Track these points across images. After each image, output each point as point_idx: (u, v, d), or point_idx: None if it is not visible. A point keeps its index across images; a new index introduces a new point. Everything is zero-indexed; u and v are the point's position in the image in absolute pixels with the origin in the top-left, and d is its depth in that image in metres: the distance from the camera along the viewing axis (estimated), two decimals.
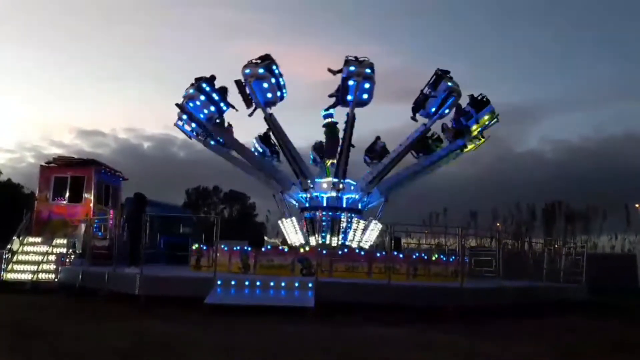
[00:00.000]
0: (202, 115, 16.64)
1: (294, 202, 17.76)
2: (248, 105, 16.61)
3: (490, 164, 65.90)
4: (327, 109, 17.50)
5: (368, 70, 15.95)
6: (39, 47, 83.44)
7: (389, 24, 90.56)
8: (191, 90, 16.36)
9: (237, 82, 16.43)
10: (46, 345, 6.81)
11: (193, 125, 17.28)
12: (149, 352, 6.60)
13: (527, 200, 34.42)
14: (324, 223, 16.52)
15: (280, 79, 16.55)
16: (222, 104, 16.84)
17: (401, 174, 18.03)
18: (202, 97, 16.41)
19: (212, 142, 17.94)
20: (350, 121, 16.58)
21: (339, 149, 17.16)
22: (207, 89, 16.49)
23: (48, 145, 79.00)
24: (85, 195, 18.14)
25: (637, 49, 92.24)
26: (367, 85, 16.03)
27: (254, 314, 10.13)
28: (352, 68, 15.86)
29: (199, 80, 16.51)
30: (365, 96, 16.35)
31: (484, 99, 17.20)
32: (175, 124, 17.59)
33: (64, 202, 18.18)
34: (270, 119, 16.78)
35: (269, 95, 16.38)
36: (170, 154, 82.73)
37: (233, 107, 17.07)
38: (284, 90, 16.77)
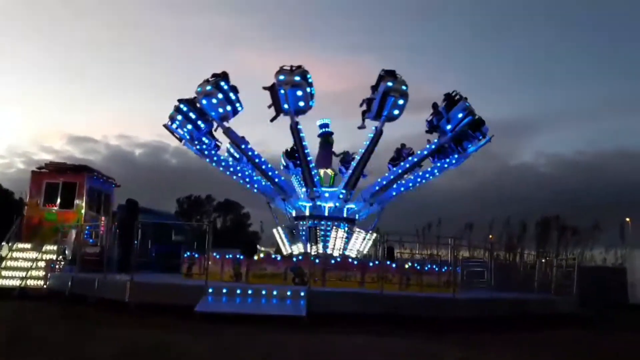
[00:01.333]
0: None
1: (286, 211, 17.74)
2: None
3: (484, 177, 66.25)
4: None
5: (297, 78, 16.13)
6: (30, 53, 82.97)
7: (383, 36, 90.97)
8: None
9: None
10: (34, 353, 6.71)
11: (189, 127, 17.03)
12: None
13: (521, 213, 34.47)
14: (321, 232, 16.53)
15: (231, 94, 16.72)
16: (237, 104, 16.91)
17: (383, 179, 17.98)
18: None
19: (205, 147, 17.67)
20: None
21: (332, 159, 17.29)
22: (184, 109, 16.62)
23: (38, 151, 78.35)
24: (77, 201, 18.01)
25: (631, 65, 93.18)
26: (299, 93, 16.23)
27: (245, 323, 10.05)
28: (390, 84, 16.29)
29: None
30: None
31: (457, 97, 17.21)
32: (166, 125, 16.97)
33: (55, 208, 18.04)
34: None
35: (220, 109, 16.52)
36: (162, 161, 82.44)
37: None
38: (237, 105, 16.98)
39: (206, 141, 17.43)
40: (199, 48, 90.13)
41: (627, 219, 30.88)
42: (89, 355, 6.70)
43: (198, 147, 17.11)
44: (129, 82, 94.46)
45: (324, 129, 18.50)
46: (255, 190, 17.83)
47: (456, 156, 17.78)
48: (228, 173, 17.67)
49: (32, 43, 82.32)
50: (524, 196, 57.16)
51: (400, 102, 16.77)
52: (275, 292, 11.47)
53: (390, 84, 16.51)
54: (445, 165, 18.07)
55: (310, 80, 16.54)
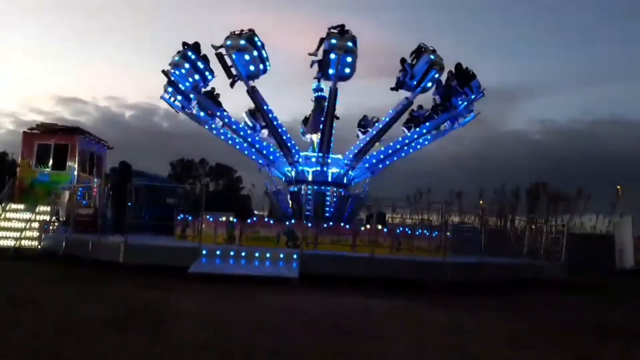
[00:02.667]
0: (187, 84, 16.49)
1: (281, 175, 17.79)
2: (229, 77, 16.51)
3: (475, 143, 66.23)
4: (317, 86, 17.41)
5: (350, 44, 15.69)
6: (16, 13, 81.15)
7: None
8: (176, 58, 16.19)
9: (218, 54, 16.30)
10: (30, 314, 6.81)
11: (179, 97, 16.99)
12: (133, 321, 6.64)
13: (513, 180, 34.82)
14: (309, 197, 16.57)
15: (263, 52, 16.36)
16: (206, 73, 16.69)
17: (387, 148, 18.03)
18: (187, 65, 16.27)
19: (202, 114, 17.63)
20: (333, 96, 16.41)
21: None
22: (192, 57, 16.34)
23: (27, 112, 77.42)
24: (69, 163, 17.96)
25: (625, 32, 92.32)
26: (349, 59, 15.82)
27: (238, 284, 10.20)
28: (333, 41, 15.63)
29: (184, 47, 16.32)
30: (347, 70, 16.09)
31: (470, 73, 17.18)
32: (162, 97, 17.09)
33: (48, 169, 17.99)
34: (252, 92, 16.64)
35: (251, 67, 16.24)
36: (153, 124, 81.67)
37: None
38: (267, 63, 16.61)
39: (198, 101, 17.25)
40: (189, 9, 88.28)
41: (618, 187, 31.24)
42: (83, 315, 6.81)
43: (184, 101, 16.93)
44: (116, 43, 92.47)
45: (317, 94, 18.40)
46: (247, 152, 17.75)
47: (446, 129, 17.89)
48: (216, 134, 17.58)
49: (18, 3, 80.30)
50: (516, 163, 57.40)
51: (437, 75, 16.76)
52: (268, 255, 11.62)
53: (432, 56, 16.40)
54: (435, 138, 18.22)
55: (258, 43, 16.07)
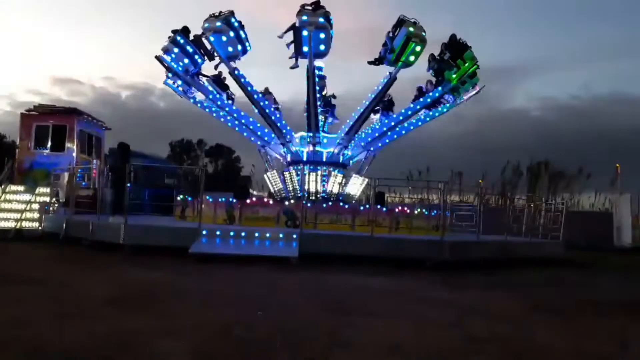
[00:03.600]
0: (179, 68, 16.48)
1: (279, 156, 17.81)
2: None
3: (475, 121, 66.07)
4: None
5: (322, 19, 15.43)
6: None
7: None
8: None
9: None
10: (31, 293, 6.86)
11: (180, 82, 17.02)
12: (133, 299, 6.70)
13: (512, 158, 34.68)
14: (305, 175, 16.65)
15: (241, 32, 16.30)
16: (196, 56, 16.65)
17: (382, 126, 17.98)
18: (176, 50, 16.28)
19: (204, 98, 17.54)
20: (311, 74, 16.26)
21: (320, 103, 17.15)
22: (181, 41, 16.33)
23: (24, 93, 77.11)
24: (68, 144, 17.93)
25: (627, 8, 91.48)
26: (322, 35, 15.65)
27: (238, 263, 10.27)
28: (304, 18, 15.44)
29: (174, 32, 16.38)
30: (322, 47, 15.97)
31: (464, 44, 16.94)
32: (165, 83, 17.20)
33: (46, 150, 17.97)
34: (234, 73, 16.63)
35: (230, 49, 16.25)
36: (150, 104, 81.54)
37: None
38: (246, 44, 16.55)
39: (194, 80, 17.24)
40: None
41: (617, 165, 31.22)
42: (83, 295, 6.87)
43: (185, 86, 16.90)
44: (112, 23, 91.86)
45: (318, 72, 18.29)
46: (246, 134, 17.77)
47: (448, 105, 17.78)
48: (216, 116, 17.57)
49: None
50: (515, 141, 57.35)
51: (418, 48, 16.51)
52: (268, 235, 11.67)
53: (411, 29, 16.19)
54: (437, 114, 18.11)
55: (235, 24, 16.08)
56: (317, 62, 18.32)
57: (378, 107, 18.15)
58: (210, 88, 17.68)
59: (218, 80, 17.76)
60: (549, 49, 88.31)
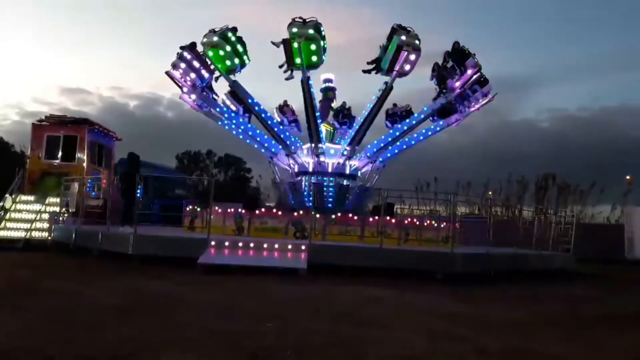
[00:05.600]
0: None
1: (287, 167, 17.81)
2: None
3: (484, 132, 65.95)
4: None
5: (311, 31, 15.59)
6: (20, 4, 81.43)
7: None
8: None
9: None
10: (40, 303, 6.87)
11: (193, 97, 17.09)
12: (142, 310, 6.68)
13: (522, 169, 34.56)
14: (310, 187, 16.67)
15: (238, 46, 16.46)
16: (202, 71, 16.76)
17: (387, 137, 17.91)
18: (183, 65, 16.43)
19: (217, 109, 17.61)
20: (306, 85, 16.37)
21: (330, 114, 17.20)
22: (188, 56, 16.47)
23: (31, 102, 77.88)
24: (79, 155, 18.04)
25: (635, 20, 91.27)
26: (312, 47, 15.76)
27: (246, 275, 10.24)
28: (294, 30, 15.60)
29: (181, 48, 16.55)
30: (314, 58, 16.06)
31: (466, 51, 16.86)
32: (181, 98, 17.24)
33: (57, 161, 18.08)
34: (232, 87, 16.93)
35: (227, 62, 16.39)
36: (157, 114, 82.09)
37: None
38: (244, 58, 16.69)
39: (205, 94, 17.33)
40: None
41: (628, 177, 30.98)
42: (92, 304, 6.86)
43: (198, 100, 16.99)
44: (119, 33, 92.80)
45: (327, 84, 18.39)
46: (256, 146, 17.83)
47: (456, 115, 17.69)
48: (228, 128, 17.65)
49: None
50: (525, 152, 57.12)
51: (412, 57, 16.49)
52: (276, 246, 11.65)
53: (403, 37, 16.21)
54: (446, 125, 18.02)
55: (232, 38, 16.32)
56: (326, 74, 18.47)
57: (396, 118, 18.22)
58: (220, 102, 17.82)
59: (234, 94, 17.93)
60: (559, 61, 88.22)
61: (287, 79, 16.43)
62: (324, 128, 18.09)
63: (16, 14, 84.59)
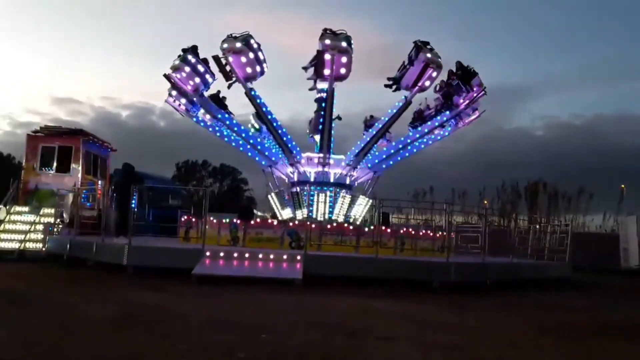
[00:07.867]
0: (189, 87, 16.54)
1: (284, 176, 17.80)
2: (227, 79, 16.66)
3: (478, 141, 66.16)
4: (311, 87, 17.44)
5: (344, 43, 15.74)
6: (13, 13, 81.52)
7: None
8: (176, 62, 16.27)
9: (215, 57, 16.43)
10: (34, 314, 6.82)
11: (183, 101, 17.00)
12: (136, 321, 6.65)
13: (515, 178, 34.65)
14: (311, 197, 16.60)
15: (260, 53, 16.45)
16: (207, 76, 16.73)
17: (389, 148, 18.02)
18: (187, 69, 16.32)
19: (207, 117, 17.57)
20: (330, 96, 16.45)
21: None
22: (192, 60, 16.38)
23: (23, 113, 77.69)
24: (73, 165, 17.99)
25: (629, 30, 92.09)
26: (344, 59, 15.88)
27: (241, 285, 10.20)
28: (327, 41, 15.70)
29: (184, 51, 16.41)
30: (342, 70, 16.20)
31: (471, 70, 17.14)
32: (166, 101, 17.12)
33: (52, 172, 18.03)
34: (250, 94, 16.76)
35: (248, 70, 16.39)
36: (150, 123, 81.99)
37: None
38: (264, 65, 16.71)
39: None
40: (185, 10, 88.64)
41: (622, 186, 31.10)
42: (86, 316, 6.82)
43: (197, 105, 16.94)
44: (110, 42, 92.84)
45: (321, 94, 18.39)
46: (250, 154, 17.73)
47: (449, 128, 17.87)
48: (220, 135, 17.58)
49: (13, 3, 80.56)
50: (518, 161, 57.31)
51: (435, 74, 16.73)
52: (271, 256, 11.62)
53: (429, 55, 16.39)
54: (439, 138, 18.20)
55: (254, 45, 16.32)
56: (323, 84, 18.47)
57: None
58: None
59: (217, 99, 17.84)
60: (552, 69, 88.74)
61: (311, 89, 16.61)
62: (318, 137, 18.08)
63: (7, 24, 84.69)
